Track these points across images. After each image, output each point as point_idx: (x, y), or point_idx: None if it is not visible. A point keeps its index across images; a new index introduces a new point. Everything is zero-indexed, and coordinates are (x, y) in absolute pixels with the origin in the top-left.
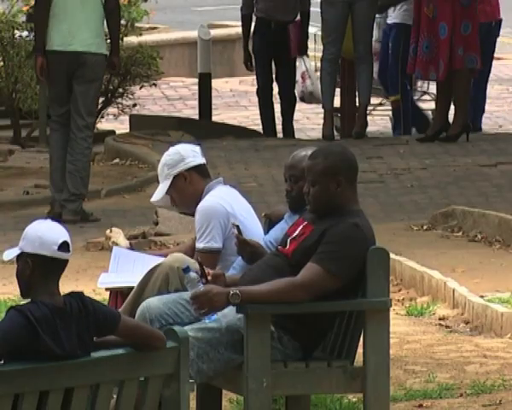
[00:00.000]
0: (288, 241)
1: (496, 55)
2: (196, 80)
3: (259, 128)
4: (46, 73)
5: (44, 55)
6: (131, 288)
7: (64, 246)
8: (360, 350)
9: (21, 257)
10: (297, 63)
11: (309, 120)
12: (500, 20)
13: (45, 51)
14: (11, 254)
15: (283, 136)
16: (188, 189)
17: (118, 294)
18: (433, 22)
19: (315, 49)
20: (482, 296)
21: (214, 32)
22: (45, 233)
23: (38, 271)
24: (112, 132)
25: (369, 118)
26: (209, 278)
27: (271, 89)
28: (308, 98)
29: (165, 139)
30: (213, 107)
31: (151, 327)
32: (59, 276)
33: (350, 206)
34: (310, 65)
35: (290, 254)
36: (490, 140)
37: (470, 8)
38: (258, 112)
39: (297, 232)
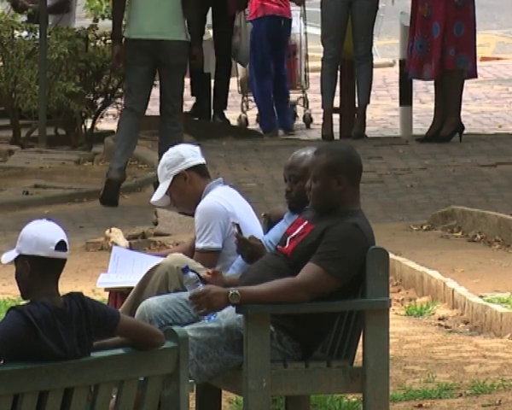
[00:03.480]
0: (288, 240)
1: (496, 55)
2: None
3: (259, 128)
4: (123, 61)
5: (121, 44)
6: (131, 288)
7: (61, 245)
8: (360, 350)
9: (19, 259)
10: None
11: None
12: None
13: (124, 40)
14: (9, 257)
15: (213, 97)
16: (188, 189)
17: (117, 294)
18: (427, 21)
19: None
20: (482, 296)
21: None
22: (41, 234)
23: (37, 272)
24: (112, 132)
25: (368, 118)
26: (208, 277)
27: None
28: (234, 55)
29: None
30: (213, 107)
31: (150, 325)
32: (58, 276)
33: (350, 206)
34: (244, 21)
35: (289, 254)
36: (490, 140)
37: (464, 9)
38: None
39: (297, 232)
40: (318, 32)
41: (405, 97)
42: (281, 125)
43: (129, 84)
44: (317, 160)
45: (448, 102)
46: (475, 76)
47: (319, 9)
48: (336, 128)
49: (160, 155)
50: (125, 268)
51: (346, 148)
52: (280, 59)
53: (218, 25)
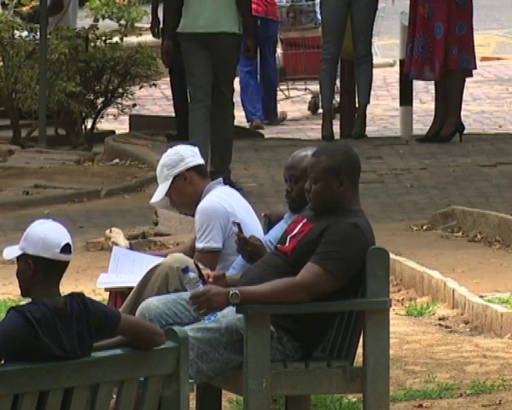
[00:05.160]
0: (288, 239)
1: (496, 55)
2: None
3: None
4: (168, 57)
5: (172, 39)
6: (131, 288)
7: (66, 248)
8: (360, 350)
9: (22, 258)
10: None
11: (309, 120)
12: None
13: (176, 34)
14: (12, 253)
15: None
16: (188, 189)
17: (117, 294)
18: (428, 22)
19: None
20: (482, 296)
21: None
22: (48, 235)
23: (40, 272)
24: (112, 132)
25: (368, 118)
26: (210, 279)
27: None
28: None
29: (165, 139)
30: None
31: (150, 323)
32: (60, 277)
33: (350, 205)
34: None
35: (289, 252)
36: (490, 140)
37: (465, 8)
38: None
39: (296, 230)
40: None
41: (405, 97)
42: (266, 117)
43: (189, 75)
44: (317, 162)
45: (449, 102)
46: (471, 75)
47: (318, 9)
48: (336, 128)
49: (214, 150)
50: (126, 268)
51: (345, 148)
52: (262, 56)
53: None
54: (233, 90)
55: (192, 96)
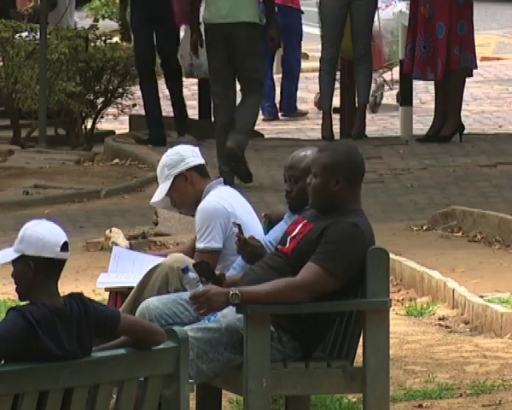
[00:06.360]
0: (288, 239)
1: (496, 55)
2: (196, 80)
3: (260, 128)
4: (198, 48)
5: (199, 32)
6: (131, 288)
7: (65, 246)
8: (360, 350)
9: (21, 260)
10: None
11: (309, 119)
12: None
13: (203, 24)
14: (7, 257)
15: (174, 115)
16: (188, 189)
17: (117, 294)
18: (429, 22)
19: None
20: (482, 296)
21: None
22: (47, 235)
23: (41, 273)
24: (112, 132)
25: (368, 118)
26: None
27: (153, 62)
28: (196, 71)
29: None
30: (213, 107)
31: (150, 323)
32: (58, 276)
33: (350, 205)
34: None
35: (290, 253)
36: (490, 140)
37: (466, 7)
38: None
39: (296, 231)
40: (318, 31)
41: (405, 97)
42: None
43: (211, 69)
44: (320, 157)
45: (449, 102)
46: (471, 75)
47: (318, 9)
48: (336, 128)
49: (235, 130)
50: (125, 268)
51: (349, 148)
52: (284, 46)
53: (163, 35)
54: (259, 82)
55: (213, 90)
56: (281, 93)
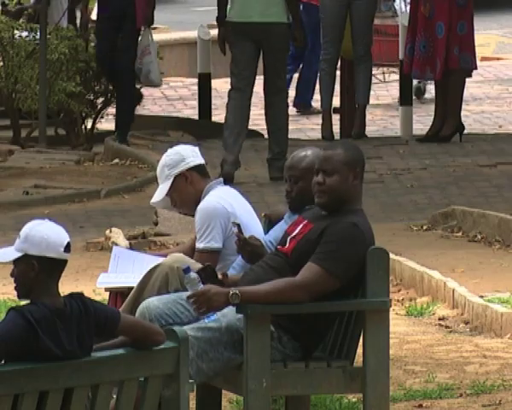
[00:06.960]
0: (288, 240)
1: (496, 55)
2: (196, 80)
3: (259, 128)
4: (225, 45)
5: (225, 27)
6: (131, 288)
7: (68, 246)
8: (360, 350)
9: (24, 259)
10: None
11: (309, 119)
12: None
13: (226, 23)
14: (9, 255)
15: (116, 120)
16: (188, 189)
17: (117, 294)
18: (429, 22)
19: None
20: (482, 296)
21: (214, 32)
22: (51, 235)
23: (43, 272)
24: (112, 132)
25: (368, 118)
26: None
27: (112, 63)
28: (143, 78)
29: (165, 139)
30: (213, 107)
31: (150, 323)
32: (60, 276)
33: (351, 205)
34: (153, 39)
35: (290, 253)
36: (490, 140)
37: (466, 7)
38: (257, 112)
39: (297, 231)
40: None
41: (405, 97)
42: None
43: (234, 63)
44: (334, 154)
45: (449, 102)
46: (471, 75)
47: None
48: (336, 128)
49: (271, 130)
50: (125, 268)
51: (354, 144)
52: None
53: (122, 37)
54: (285, 79)
55: (233, 86)
56: (297, 89)
